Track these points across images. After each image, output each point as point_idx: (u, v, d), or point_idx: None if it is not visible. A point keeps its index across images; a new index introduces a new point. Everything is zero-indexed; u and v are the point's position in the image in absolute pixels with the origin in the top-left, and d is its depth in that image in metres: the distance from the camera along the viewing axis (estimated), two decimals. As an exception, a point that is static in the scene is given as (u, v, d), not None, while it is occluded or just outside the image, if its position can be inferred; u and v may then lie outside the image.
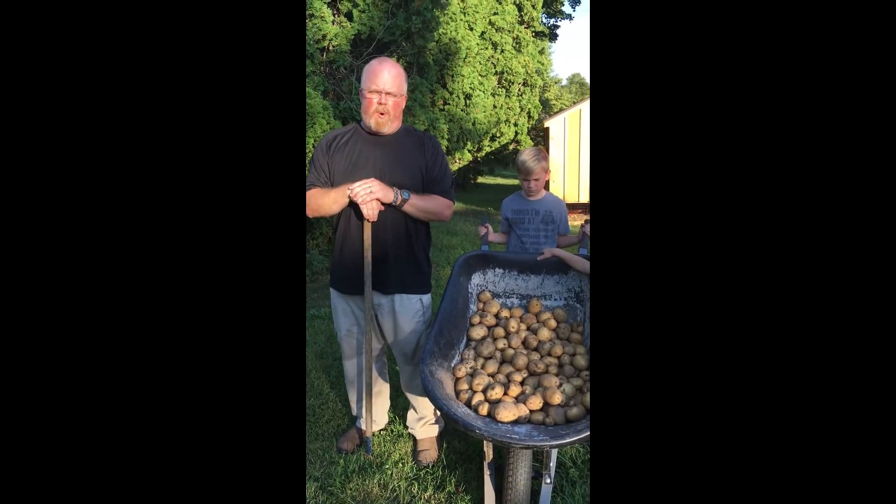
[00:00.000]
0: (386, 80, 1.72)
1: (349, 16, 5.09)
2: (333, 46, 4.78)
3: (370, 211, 1.67)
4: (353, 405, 2.08)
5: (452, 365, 1.64)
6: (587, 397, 1.45)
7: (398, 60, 5.52)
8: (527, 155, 2.15)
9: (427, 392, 1.36)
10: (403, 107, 1.83)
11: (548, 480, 1.49)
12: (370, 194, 1.65)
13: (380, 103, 1.72)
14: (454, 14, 7.07)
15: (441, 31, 6.53)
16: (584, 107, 7.96)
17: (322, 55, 4.74)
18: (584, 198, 8.03)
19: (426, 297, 1.90)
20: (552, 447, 1.25)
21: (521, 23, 10.23)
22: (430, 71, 6.23)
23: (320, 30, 4.59)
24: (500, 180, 15.90)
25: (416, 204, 1.74)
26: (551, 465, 1.50)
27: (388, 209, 1.73)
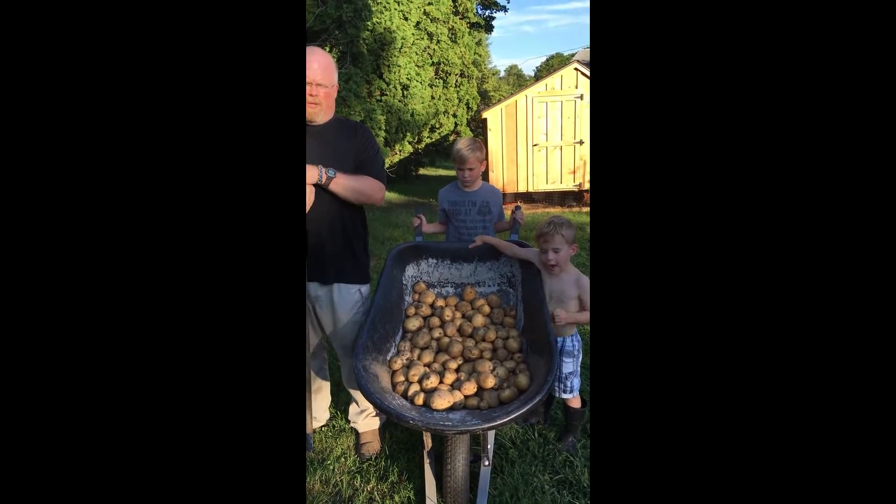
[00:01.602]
0: (315, 70, 1.69)
1: (277, 3, 4.91)
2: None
3: None
4: (292, 404, 2.05)
5: (388, 357, 1.64)
6: (520, 379, 1.51)
7: (330, 50, 5.38)
8: (462, 143, 2.17)
9: (360, 387, 1.36)
10: (335, 97, 1.81)
11: (486, 462, 1.53)
12: None
13: (310, 94, 1.69)
14: (388, 3, 6.97)
15: (375, 19, 6.43)
16: (521, 98, 8.12)
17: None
18: (523, 187, 8.22)
19: (365, 288, 1.89)
20: (485, 430, 1.29)
21: (455, 13, 10.25)
22: (365, 61, 6.13)
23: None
24: (441, 171, 15.95)
25: (344, 183, 1.72)
26: (489, 447, 1.54)
27: (321, 198, 1.70)
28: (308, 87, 1.69)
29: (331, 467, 1.82)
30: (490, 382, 1.50)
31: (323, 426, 2.09)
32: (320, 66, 1.70)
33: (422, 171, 13.56)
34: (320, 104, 1.72)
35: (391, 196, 9.21)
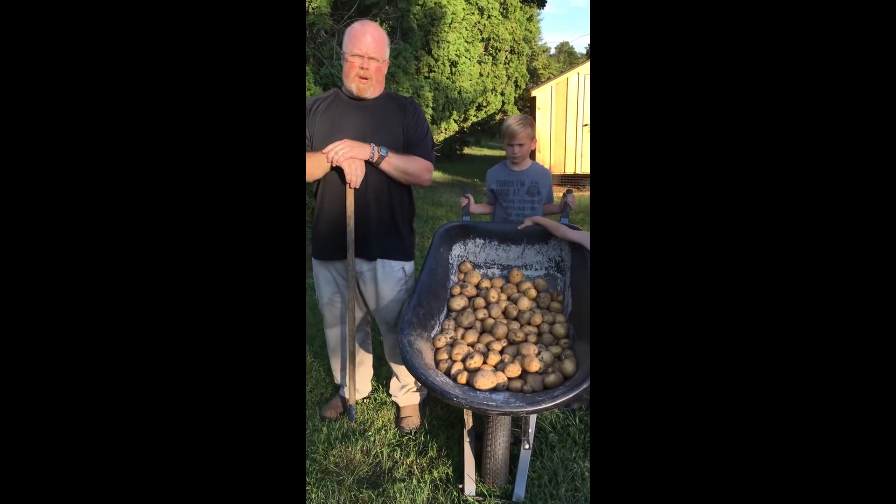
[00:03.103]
0: (368, 43, 1.67)
1: (330, -23, 4.89)
2: (313, 9, 4.60)
3: (353, 175, 1.65)
4: (337, 374, 2.10)
5: (432, 335, 1.65)
6: (565, 365, 1.48)
7: (381, 24, 5.35)
8: (512, 119, 2.12)
9: (405, 362, 1.37)
10: (385, 72, 1.80)
11: (526, 446, 1.53)
12: (345, 153, 1.63)
13: (362, 67, 1.68)
14: (440, -24, 6.83)
15: (426, -6, 6.33)
16: (572, 76, 7.85)
17: (302, 18, 4.57)
18: (571, 168, 8.00)
19: (408, 265, 1.90)
20: (528, 413, 1.28)
21: (508, -13, 9.94)
22: (415, 36, 6.06)
23: (299, -9, 4.41)
24: (486, 151, 15.76)
25: (394, 163, 1.72)
26: (530, 430, 1.53)
27: (370, 174, 1.70)
28: (360, 60, 1.68)
29: (371, 438, 1.87)
30: (535, 366, 1.48)
31: (365, 398, 2.14)
32: (373, 39, 1.68)
33: (466, 151, 13.44)
34: (370, 78, 1.71)
35: (435, 175, 9.18)
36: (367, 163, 1.69)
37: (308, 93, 4.07)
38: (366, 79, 1.70)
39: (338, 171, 1.69)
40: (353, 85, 1.71)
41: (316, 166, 1.69)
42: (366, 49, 1.67)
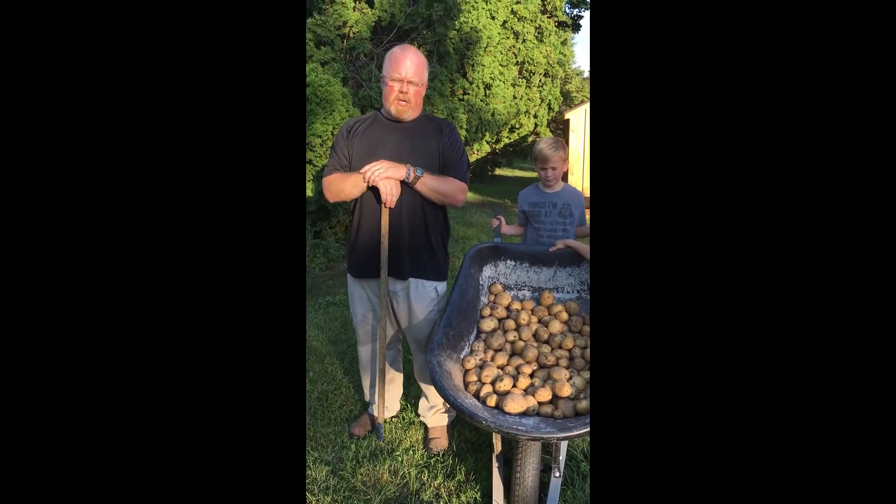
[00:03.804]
0: (408, 68, 1.72)
1: (370, 2, 5.07)
2: (354, 33, 4.77)
3: (388, 194, 1.68)
4: (367, 391, 2.11)
5: (462, 356, 1.64)
6: (597, 392, 1.45)
7: (419, 48, 5.49)
8: (544, 143, 2.13)
9: (434, 382, 1.37)
10: (423, 95, 1.84)
11: (557, 474, 1.49)
12: (381, 173, 1.67)
13: (401, 91, 1.73)
14: (476, 2, 6.98)
15: (462, 18, 6.46)
16: (606, 98, 7.83)
17: (342, 42, 4.74)
18: (604, 191, 7.92)
19: (441, 286, 1.91)
20: (560, 439, 1.25)
21: (543, 12, 10.06)
22: (451, 60, 6.18)
23: (341, 16, 4.58)
24: (517, 172, 15.77)
25: (430, 184, 1.75)
26: (561, 458, 1.50)
27: (405, 194, 1.73)
28: (399, 84, 1.72)
29: (399, 458, 1.86)
30: (566, 391, 1.45)
31: (393, 417, 2.14)
32: (413, 64, 1.73)
33: (498, 172, 13.49)
34: (409, 101, 1.75)
35: (467, 195, 9.23)
36: (403, 183, 1.72)
37: (347, 115, 4.19)
38: (405, 102, 1.75)
39: (374, 190, 1.73)
40: (393, 107, 1.76)
41: (353, 185, 1.74)
42: (406, 73, 1.72)
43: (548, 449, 1.62)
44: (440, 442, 1.95)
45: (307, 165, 4.15)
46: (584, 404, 1.42)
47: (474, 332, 1.80)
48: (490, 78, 7.56)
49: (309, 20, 4.54)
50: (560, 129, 11.11)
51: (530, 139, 10.90)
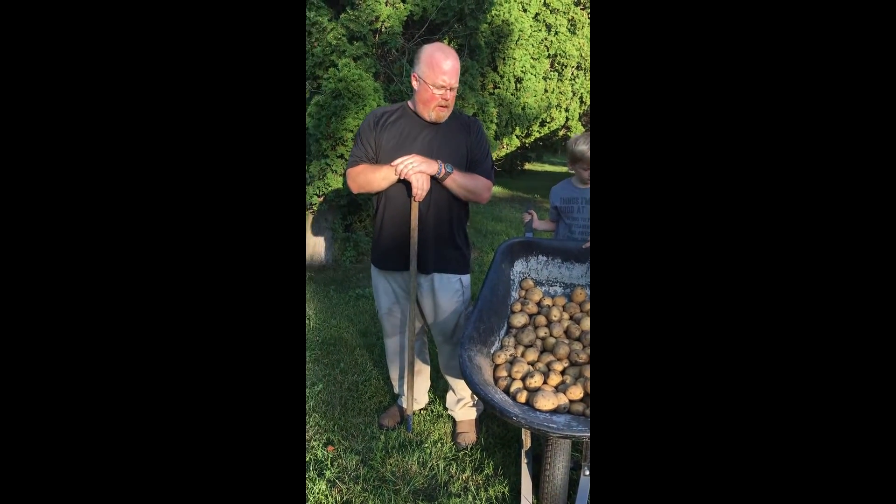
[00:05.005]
0: (451, 74, 1.71)
1: (402, -3, 5.07)
2: (386, 28, 4.79)
3: (419, 189, 1.69)
4: (395, 383, 2.14)
5: (492, 351, 1.64)
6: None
7: (449, 43, 5.47)
8: (580, 142, 2.09)
9: (465, 377, 1.38)
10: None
11: (587, 472, 1.48)
12: (414, 167, 1.67)
13: (443, 98, 1.73)
14: (508, -6, 6.90)
15: (494, 12, 6.40)
16: (641, 91, 7.64)
17: (374, 37, 4.76)
18: (636, 186, 7.76)
19: (465, 278, 1.91)
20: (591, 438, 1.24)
21: (576, 4, 9.88)
22: (482, 53, 6.13)
23: (374, 11, 4.60)
24: (547, 167, 15.57)
25: (458, 180, 1.75)
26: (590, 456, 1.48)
27: (433, 190, 1.74)
28: (442, 92, 1.72)
29: (428, 450, 1.88)
30: (598, 390, 1.44)
31: (422, 409, 2.16)
32: (454, 69, 1.72)
33: (527, 166, 13.36)
34: (449, 106, 1.75)
35: (495, 189, 9.19)
36: (432, 178, 1.73)
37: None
38: (445, 107, 1.75)
39: (402, 183, 1.73)
40: (433, 113, 1.75)
41: (382, 178, 1.75)
42: (450, 81, 1.71)
43: (577, 447, 1.61)
44: (468, 436, 1.96)
45: (338, 160, 4.19)
46: (616, 403, 1.40)
47: (505, 327, 1.80)
48: (521, 71, 7.47)
49: (342, 15, 4.57)
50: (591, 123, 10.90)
51: (561, 133, 10.74)
